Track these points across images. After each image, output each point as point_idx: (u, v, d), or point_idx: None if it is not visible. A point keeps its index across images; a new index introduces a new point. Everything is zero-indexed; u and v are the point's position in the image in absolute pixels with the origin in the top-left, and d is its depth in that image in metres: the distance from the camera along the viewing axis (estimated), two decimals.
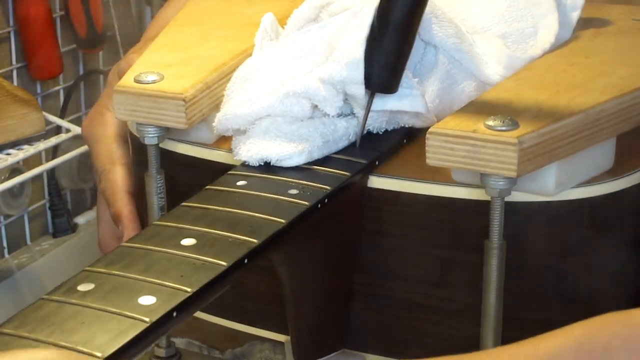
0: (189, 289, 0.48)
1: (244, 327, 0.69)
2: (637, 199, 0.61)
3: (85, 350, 0.43)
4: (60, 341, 0.44)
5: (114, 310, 0.46)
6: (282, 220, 0.55)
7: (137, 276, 0.49)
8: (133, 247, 0.52)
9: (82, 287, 0.48)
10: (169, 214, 0.58)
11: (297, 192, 0.59)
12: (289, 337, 0.65)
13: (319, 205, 0.58)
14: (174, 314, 0.47)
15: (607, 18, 0.74)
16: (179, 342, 0.77)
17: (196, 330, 0.78)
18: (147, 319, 0.46)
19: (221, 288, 0.51)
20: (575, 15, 0.71)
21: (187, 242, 0.53)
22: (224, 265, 0.51)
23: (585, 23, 0.72)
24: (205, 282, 0.49)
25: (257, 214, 0.56)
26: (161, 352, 0.71)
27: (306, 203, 0.58)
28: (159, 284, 0.49)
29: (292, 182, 0.60)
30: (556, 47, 0.69)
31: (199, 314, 0.69)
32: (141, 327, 0.45)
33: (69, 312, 0.46)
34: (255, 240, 0.53)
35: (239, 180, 0.60)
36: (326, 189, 0.59)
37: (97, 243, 0.81)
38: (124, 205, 0.73)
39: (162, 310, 0.46)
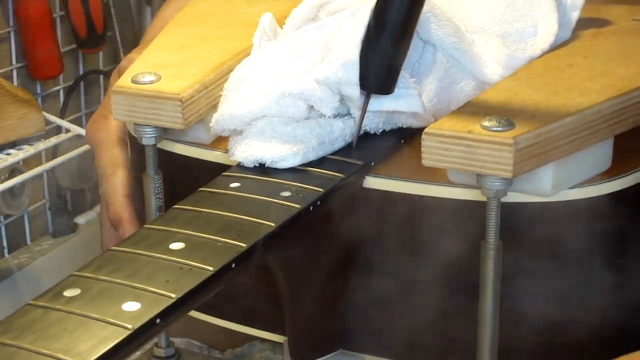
0: (173, 295, 0.48)
1: (244, 327, 0.68)
2: (635, 200, 0.61)
3: (66, 358, 0.43)
4: (43, 348, 0.43)
5: (97, 316, 0.46)
6: (272, 224, 0.55)
7: (123, 281, 0.49)
8: (122, 252, 0.52)
9: (68, 293, 0.48)
10: (160, 217, 0.57)
11: (290, 194, 0.58)
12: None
13: (311, 208, 0.58)
14: (157, 320, 0.47)
15: (607, 18, 0.74)
16: (179, 342, 0.77)
17: (196, 330, 0.77)
18: (129, 326, 0.45)
19: (208, 293, 0.50)
20: (574, 15, 0.70)
21: (176, 246, 0.52)
22: (210, 270, 0.50)
23: (584, 23, 0.72)
24: (190, 288, 0.49)
25: (247, 217, 0.55)
26: (160, 352, 0.71)
27: (297, 206, 0.57)
28: (144, 289, 0.48)
29: (286, 184, 0.60)
30: (555, 47, 0.69)
31: (198, 314, 0.69)
32: (123, 334, 0.45)
33: (54, 319, 0.46)
34: (243, 245, 0.53)
35: (232, 182, 0.60)
36: (319, 191, 0.59)
37: (97, 243, 0.81)
38: (123, 208, 0.73)
39: (146, 317, 0.46)
